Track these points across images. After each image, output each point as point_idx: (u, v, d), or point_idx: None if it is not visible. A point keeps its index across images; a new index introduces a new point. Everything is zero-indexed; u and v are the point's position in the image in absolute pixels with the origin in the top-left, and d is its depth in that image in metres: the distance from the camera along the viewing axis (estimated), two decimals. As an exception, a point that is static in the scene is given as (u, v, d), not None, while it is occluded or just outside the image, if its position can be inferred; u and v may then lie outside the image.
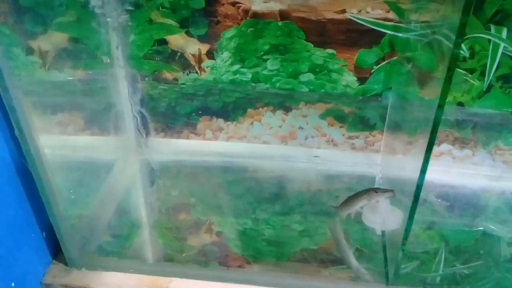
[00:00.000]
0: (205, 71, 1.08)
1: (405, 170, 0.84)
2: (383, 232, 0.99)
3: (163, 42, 1.05)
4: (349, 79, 1.05)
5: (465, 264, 0.94)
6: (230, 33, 1.03)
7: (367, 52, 1.02)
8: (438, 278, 0.92)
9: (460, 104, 1.05)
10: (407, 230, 0.79)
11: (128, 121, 1.14)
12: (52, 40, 0.96)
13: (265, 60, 1.05)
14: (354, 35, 1.00)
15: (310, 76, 1.06)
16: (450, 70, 0.63)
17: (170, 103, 1.14)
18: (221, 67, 1.07)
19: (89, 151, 1.08)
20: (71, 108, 1.01)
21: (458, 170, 1.14)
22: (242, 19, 1.01)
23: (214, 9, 1.00)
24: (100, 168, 1.09)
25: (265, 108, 1.13)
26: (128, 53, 1.06)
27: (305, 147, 1.17)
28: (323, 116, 1.12)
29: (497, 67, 0.99)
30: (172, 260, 0.95)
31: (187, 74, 1.09)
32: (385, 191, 0.94)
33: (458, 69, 1.00)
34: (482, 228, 1.03)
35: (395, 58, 1.02)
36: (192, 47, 1.06)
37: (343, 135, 1.15)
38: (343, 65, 1.04)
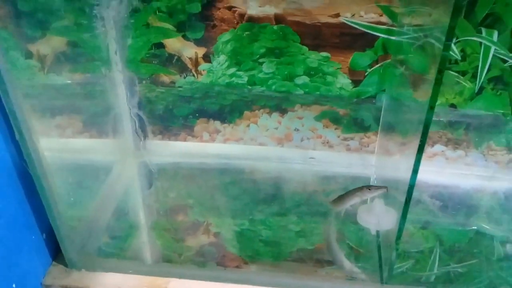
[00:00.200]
0: (201, 74, 1.09)
1: (399, 171, 0.84)
2: (377, 232, 1.00)
3: (160, 45, 1.06)
4: (344, 81, 1.06)
5: (459, 263, 0.95)
6: (226, 36, 1.04)
7: (361, 55, 1.03)
8: (433, 277, 0.93)
9: (453, 105, 1.06)
10: (400, 229, 0.80)
11: (126, 124, 1.15)
12: (51, 44, 0.96)
13: (261, 63, 1.06)
14: (348, 39, 1.01)
15: (305, 79, 1.07)
16: (440, 72, 0.64)
17: (167, 106, 1.14)
18: (217, 70, 1.08)
19: (88, 154, 1.08)
20: (69, 111, 1.02)
21: (451, 171, 1.14)
22: (238, 23, 1.02)
23: (210, 13, 1.01)
24: (99, 171, 1.09)
25: (261, 110, 1.14)
26: (125, 56, 1.06)
27: (301, 149, 1.18)
28: (318, 118, 1.13)
29: (488, 69, 1.00)
30: (170, 261, 0.96)
31: (184, 77, 1.10)
32: (378, 188, 0.95)
33: (450, 72, 1.01)
34: (475, 227, 1.04)
35: (388, 61, 1.03)
36: (189, 50, 1.06)
37: (338, 136, 1.15)
38: (338, 68, 1.05)
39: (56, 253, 0.94)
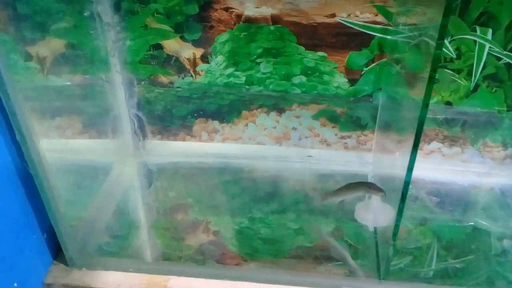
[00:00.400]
0: (200, 75, 1.10)
1: (396, 168, 0.85)
2: (375, 228, 1.01)
3: (159, 47, 1.07)
4: (340, 80, 1.07)
5: (457, 259, 0.96)
6: (223, 37, 1.04)
7: (357, 54, 1.04)
8: (431, 273, 0.93)
9: (449, 103, 1.06)
10: (397, 226, 0.80)
11: (125, 124, 1.15)
12: (50, 46, 0.97)
13: (258, 63, 1.07)
14: (344, 38, 1.02)
15: (302, 78, 1.07)
16: (433, 71, 0.65)
17: (166, 106, 1.15)
18: (215, 71, 1.08)
19: (87, 154, 1.08)
20: (69, 112, 1.02)
21: (448, 167, 1.15)
22: (235, 24, 1.02)
23: (207, 14, 1.02)
24: (98, 171, 1.10)
25: (259, 109, 1.14)
26: (124, 58, 1.07)
27: (299, 147, 1.19)
28: (316, 117, 1.14)
29: (483, 67, 1.01)
30: (170, 259, 0.96)
31: (183, 78, 1.10)
32: (378, 190, 0.95)
33: (446, 70, 1.02)
34: (472, 223, 1.05)
35: (384, 60, 1.04)
36: (186, 51, 1.07)
37: (336, 135, 1.16)
38: (334, 67, 1.06)
39: (57, 252, 0.95)
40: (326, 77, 1.07)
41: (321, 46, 1.03)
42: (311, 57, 1.05)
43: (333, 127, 1.15)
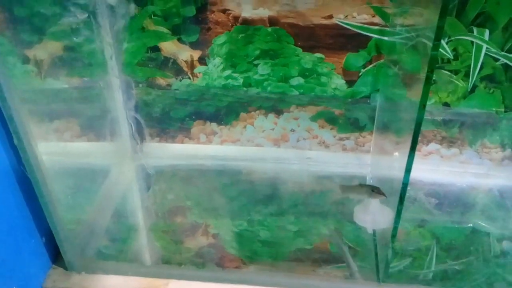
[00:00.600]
0: (197, 77, 1.10)
1: (394, 169, 0.85)
2: (374, 231, 1.01)
3: (156, 49, 1.07)
4: (338, 82, 1.07)
5: (456, 260, 0.96)
6: (221, 39, 1.04)
7: (355, 55, 1.04)
8: (430, 275, 0.93)
9: (446, 104, 1.07)
10: (395, 227, 0.80)
11: (123, 127, 1.15)
12: (47, 49, 0.97)
13: (256, 65, 1.07)
14: (341, 40, 1.02)
15: (300, 80, 1.07)
16: (430, 71, 0.65)
17: (164, 109, 1.15)
18: (213, 73, 1.08)
19: (86, 157, 1.08)
20: (67, 115, 1.02)
21: (446, 169, 1.15)
22: (232, 25, 1.02)
23: (205, 16, 1.02)
24: (97, 174, 1.10)
25: (257, 111, 1.14)
26: (122, 60, 1.07)
27: (297, 149, 1.19)
28: (314, 119, 1.14)
29: (481, 68, 1.01)
30: (169, 262, 0.96)
31: (180, 80, 1.10)
32: (380, 194, 0.94)
33: (443, 71, 1.02)
34: (471, 225, 1.05)
35: (381, 61, 1.04)
36: (184, 53, 1.07)
37: (334, 136, 1.16)
38: (332, 69, 1.06)
39: (56, 256, 0.95)
40: (323, 79, 1.07)
41: (319, 47, 1.03)
42: (308, 59, 1.05)
43: (331, 128, 1.15)
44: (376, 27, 1.00)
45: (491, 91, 1.04)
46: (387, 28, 0.99)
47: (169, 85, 1.11)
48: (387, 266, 0.88)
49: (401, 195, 0.77)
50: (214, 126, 1.17)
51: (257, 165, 1.20)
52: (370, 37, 1.01)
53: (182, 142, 1.20)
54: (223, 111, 1.15)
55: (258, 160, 1.19)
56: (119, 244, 1.01)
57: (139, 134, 1.18)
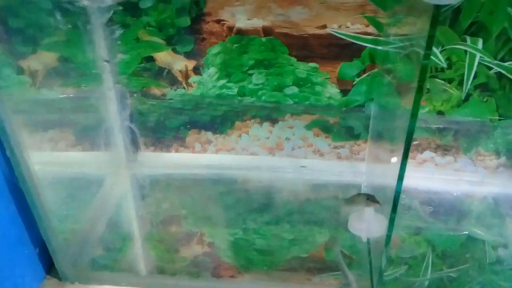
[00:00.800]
0: (192, 87, 1.10)
1: (388, 178, 0.85)
2: (368, 239, 1.01)
3: (151, 59, 1.07)
4: (332, 91, 1.07)
5: (451, 268, 0.96)
6: (215, 49, 1.05)
7: (349, 65, 1.04)
8: (425, 283, 0.93)
9: (441, 112, 1.07)
10: (388, 236, 0.80)
11: (118, 137, 1.15)
12: (42, 59, 0.97)
13: (250, 75, 1.07)
14: (335, 49, 1.02)
15: (295, 89, 1.08)
16: (421, 81, 0.65)
17: (159, 118, 1.15)
18: (207, 82, 1.09)
19: (79, 167, 1.08)
20: (61, 125, 1.02)
21: (441, 177, 1.15)
22: (226, 36, 1.02)
23: (199, 26, 1.02)
24: (91, 183, 1.09)
25: (252, 120, 1.14)
26: (116, 70, 1.07)
27: (292, 158, 1.19)
28: (309, 127, 1.14)
29: (474, 77, 1.01)
30: (164, 272, 0.96)
31: (175, 90, 1.10)
32: (374, 202, 0.95)
33: (437, 79, 1.03)
34: (466, 232, 1.05)
35: (375, 70, 1.04)
36: (179, 63, 1.07)
37: (329, 145, 1.16)
38: (326, 78, 1.06)
39: (49, 266, 0.94)
40: (318, 88, 1.07)
41: (313, 57, 1.04)
42: (303, 68, 1.05)
43: (326, 137, 1.15)
44: (370, 37, 1.00)
45: (485, 99, 1.04)
46: (380, 38, 1.00)
47: (163, 94, 1.11)
48: (381, 274, 0.88)
49: (394, 203, 0.77)
50: (209, 135, 1.17)
51: (252, 173, 1.19)
52: (364, 47, 1.01)
53: (177, 151, 1.20)
54: (218, 120, 1.15)
55: (253, 169, 1.19)
56: (114, 254, 1.01)
57: (134, 143, 1.17)
